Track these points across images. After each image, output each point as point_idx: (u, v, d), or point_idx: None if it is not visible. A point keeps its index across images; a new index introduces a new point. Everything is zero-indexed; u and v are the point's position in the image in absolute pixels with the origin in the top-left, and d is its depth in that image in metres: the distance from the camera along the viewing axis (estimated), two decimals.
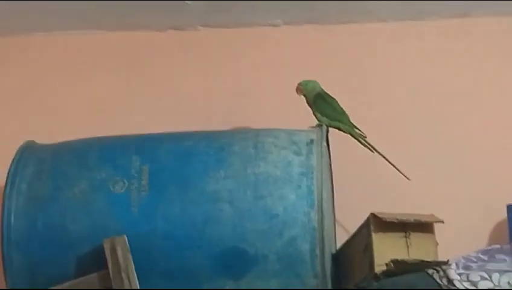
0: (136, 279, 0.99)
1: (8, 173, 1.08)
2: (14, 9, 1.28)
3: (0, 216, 1.07)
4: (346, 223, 1.22)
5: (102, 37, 1.35)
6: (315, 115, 1.18)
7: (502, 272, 0.96)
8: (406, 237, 1.01)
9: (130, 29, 1.35)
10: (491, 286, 0.94)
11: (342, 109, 1.16)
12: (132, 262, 0.98)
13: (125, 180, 1.04)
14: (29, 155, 1.14)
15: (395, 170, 1.14)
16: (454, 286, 0.93)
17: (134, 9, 1.26)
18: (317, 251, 1.01)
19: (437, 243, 1.02)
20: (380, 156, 1.15)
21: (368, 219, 1.03)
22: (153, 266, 1.02)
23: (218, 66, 1.34)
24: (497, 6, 1.27)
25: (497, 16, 1.29)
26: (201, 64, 1.34)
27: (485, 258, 1.03)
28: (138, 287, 1.00)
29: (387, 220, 0.99)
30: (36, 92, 1.40)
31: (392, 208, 1.04)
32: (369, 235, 1.01)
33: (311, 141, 1.08)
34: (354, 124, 1.15)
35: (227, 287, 1.03)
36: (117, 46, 1.37)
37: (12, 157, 1.10)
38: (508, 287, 0.94)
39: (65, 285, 1.02)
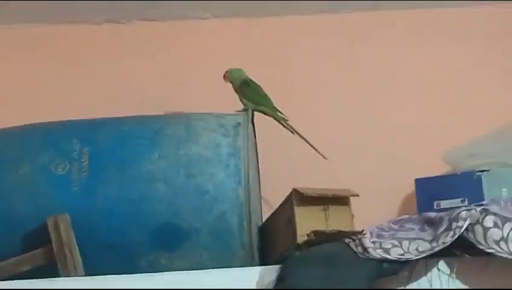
0: (79, 254, 1.05)
1: None
2: None
3: None
4: (271, 199, 1.25)
5: (40, 30, 1.39)
6: (241, 100, 1.23)
7: (411, 239, 1.02)
8: (324, 210, 1.07)
9: (67, 22, 1.38)
10: (401, 252, 1.00)
11: (265, 94, 1.23)
12: (74, 238, 1.04)
13: (66, 163, 1.09)
14: None
15: (313, 149, 1.21)
16: (369, 253, 1.00)
17: (72, 3, 1.32)
18: (245, 224, 1.08)
19: (353, 215, 1.09)
20: (300, 138, 1.22)
21: (290, 194, 1.08)
22: (94, 241, 1.07)
23: (151, 57, 1.39)
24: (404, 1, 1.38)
25: (404, 8, 1.40)
26: (135, 56, 1.39)
27: (396, 227, 1.08)
28: (80, 262, 1.05)
29: (308, 194, 1.06)
30: None
31: (312, 184, 1.09)
32: (292, 209, 1.07)
33: (238, 124, 1.14)
34: (277, 108, 1.21)
35: (162, 260, 1.08)
36: (55, 39, 1.41)
37: None
38: (415, 253, 1.00)
39: (10, 261, 1.06)
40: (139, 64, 1.40)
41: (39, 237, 1.06)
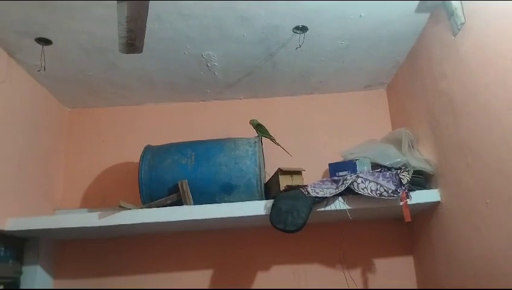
0: (191, 196, 1.83)
1: (140, 157, 1.93)
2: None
3: (138, 174, 1.90)
4: (269, 172, 2.01)
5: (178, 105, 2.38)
6: (257, 132, 2.02)
7: (327, 188, 1.76)
8: (291, 176, 1.85)
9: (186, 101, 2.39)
10: (323, 193, 1.71)
11: (266, 129, 2.03)
12: (189, 189, 1.83)
13: (186, 158, 1.88)
14: (148, 149, 1.99)
15: (286, 152, 1.97)
16: (309, 194, 1.70)
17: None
18: (259, 183, 1.85)
19: (303, 179, 1.87)
20: (281, 148, 1.98)
21: (278, 169, 1.85)
22: (197, 191, 1.83)
23: (223, 117, 2.36)
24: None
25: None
26: (219, 115, 2.40)
27: (321, 183, 1.78)
28: (191, 199, 1.81)
29: (284, 170, 1.84)
30: (144, 133, 2.33)
31: (285, 165, 1.89)
32: (278, 176, 1.83)
33: (255, 141, 1.94)
34: (271, 135, 2.03)
35: (225, 198, 1.83)
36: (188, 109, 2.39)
37: (141, 151, 1.98)
38: (329, 194, 1.72)
39: (162, 199, 1.83)
40: (221, 119, 2.34)
41: (174, 190, 1.84)
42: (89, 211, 2.01)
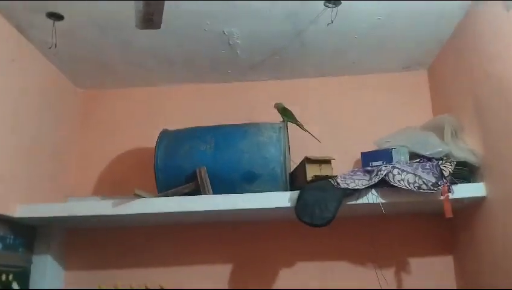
0: (210, 184, 1.70)
1: (156, 142, 1.79)
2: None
3: (154, 160, 1.77)
4: (295, 160, 1.84)
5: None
6: (282, 117, 1.88)
7: (359, 179, 1.61)
8: (319, 166, 1.69)
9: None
10: (354, 185, 1.58)
11: (292, 113, 1.88)
12: (208, 177, 1.69)
13: (205, 144, 1.76)
14: (164, 134, 1.85)
15: (314, 138, 1.83)
16: (339, 185, 1.57)
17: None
18: (283, 172, 1.70)
19: (332, 168, 1.69)
20: (309, 134, 1.84)
21: (304, 158, 1.68)
22: (216, 179, 1.70)
23: (252, 99, 2.23)
24: None
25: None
26: (244, 99, 2.25)
27: (352, 174, 1.64)
28: (210, 188, 1.68)
29: (312, 158, 1.67)
30: (161, 117, 2.23)
31: (312, 153, 1.72)
32: (304, 165, 1.67)
33: (280, 127, 1.78)
34: (298, 119, 1.87)
35: (246, 187, 1.69)
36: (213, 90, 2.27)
37: (157, 135, 1.84)
38: (361, 186, 1.57)
39: (179, 187, 1.70)
40: (243, 103, 2.23)
41: (192, 177, 1.70)
42: (102, 199, 1.90)
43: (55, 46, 1.84)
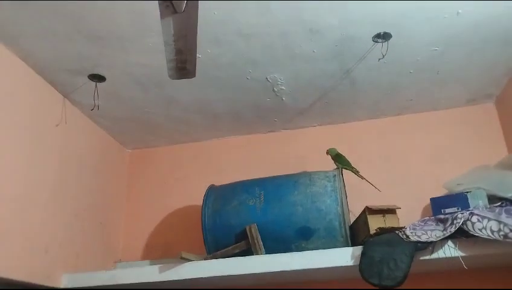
0: (262, 243, 1.58)
1: (203, 199, 1.73)
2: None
3: (201, 219, 1.69)
4: (354, 211, 1.74)
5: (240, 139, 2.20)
6: (335, 164, 1.75)
7: (432, 230, 1.44)
8: (383, 216, 1.54)
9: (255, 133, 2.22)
10: (427, 237, 1.41)
11: (347, 159, 1.75)
12: (259, 235, 1.58)
13: (254, 199, 1.65)
14: (211, 190, 1.78)
15: (373, 187, 1.69)
16: (409, 238, 1.41)
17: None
18: (342, 225, 1.56)
19: (398, 219, 1.54)
20: (366, 181, 1.71)
21: (365, 208, 1.55)
22: (268, 236, 1.59)
23: (292, 149, 2.14)
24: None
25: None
26: (283, 148, 2.16)
27: (423, 224, 1.47)
28: (262, 247, 1.57)
29: (374, 208, 1.53)
30: (208, 172, 2.19)
31: (373, 203, 1.58)
32: (366, 216, 1.53)
33: (335, 175, 1.66)
34: (353, 166, 1.74)
35: (302, 245, 1.57)
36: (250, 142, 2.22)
37: (205, 192, 1.77)
38: (435, 238, 1.40)
39: (229, 248, 1.61)
40: (293, 151, 2.14)
41: (242, 236, 1.60)
42: (150, 263, 1.84)
43: (98, 108, 1.84)
